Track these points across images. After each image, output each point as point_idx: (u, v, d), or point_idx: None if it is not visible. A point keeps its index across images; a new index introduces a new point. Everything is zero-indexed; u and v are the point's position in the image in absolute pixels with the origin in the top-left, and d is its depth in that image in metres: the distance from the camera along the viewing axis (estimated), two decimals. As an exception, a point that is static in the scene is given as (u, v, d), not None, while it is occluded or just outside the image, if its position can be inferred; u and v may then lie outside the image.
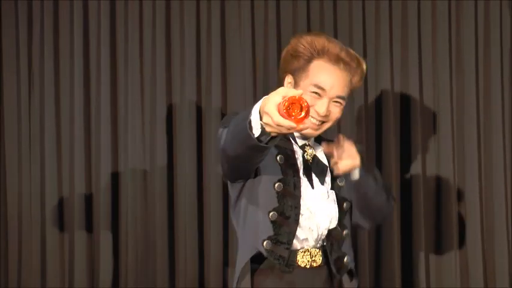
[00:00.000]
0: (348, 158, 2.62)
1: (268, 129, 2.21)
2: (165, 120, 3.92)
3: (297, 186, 2.62)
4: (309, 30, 3.77)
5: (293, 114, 2.14)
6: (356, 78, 2.68)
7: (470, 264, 3.76)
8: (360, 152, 2.66)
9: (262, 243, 2.58)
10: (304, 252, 2.65)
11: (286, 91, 2.17)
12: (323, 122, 2.66)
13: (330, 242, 2.68)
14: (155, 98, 3.93)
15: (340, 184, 2.72)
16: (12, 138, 4.02)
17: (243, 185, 2.63)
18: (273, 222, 2.59)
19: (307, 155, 2.70)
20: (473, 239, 3.76)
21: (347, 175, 2.69)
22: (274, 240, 2.59)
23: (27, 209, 4.00)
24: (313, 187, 2.67)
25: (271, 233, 2.59)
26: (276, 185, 2.60)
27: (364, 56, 3.81)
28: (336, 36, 3.81)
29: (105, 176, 3.94)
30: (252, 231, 2.61)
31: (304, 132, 2.64)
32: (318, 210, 2.66)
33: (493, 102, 3.75)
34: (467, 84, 3.77)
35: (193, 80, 3.92)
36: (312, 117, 2.62)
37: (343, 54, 2.63)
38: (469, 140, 3.76)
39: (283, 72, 2.71)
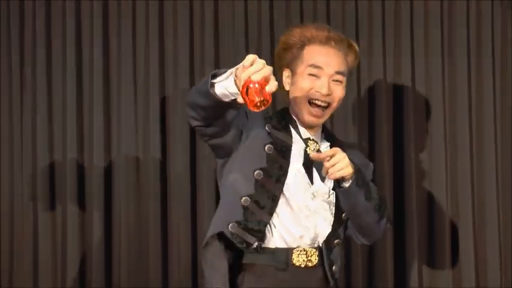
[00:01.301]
0: (340, 165, 2.55)
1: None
2: (158, 118, 3.91)
3: (281, 181, 2.60)
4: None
5: (251, 96, 2.22)
6: (351, 57, 2.71)
7: (462, 265, 3.77)
8: (355, 165, 2.60)
9: (228, 225, 2.58)
10: (300, 251, 2.63)
11: (269, 71, 2.24)
12: (327, 107, 2.67)
13: (326, 244, 2.67)
14: (148, 97, 3.92)
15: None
16: (6, 136, 3.99)
17: (223, 165, 2.65)
18: (244, 207, 2.59)
19: (309, 149, 2.69)
20: (466, 239, 3.76)
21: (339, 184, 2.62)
22: (243, 225, 2.58)
23: (19, 206, 3.97)
24: (312, 183, 2.66)
25: (240, 217, 2.59)
26: (256, 172, 2.60)
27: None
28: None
29: (98, 173, 3.91)
30: (223, 211, 2.64)
31: (308, 121, 2.67)
32: (316, 209, 2.65)
33: (485, 99, 3.77)
34: (460, 79, 3.79)
35: (187, 80, 3.91)
36: (317, 99, 2.65)
37: (331, 34, 2.69)
38: (461, 135, 3.77)
39: (280, 68, 2.75)
